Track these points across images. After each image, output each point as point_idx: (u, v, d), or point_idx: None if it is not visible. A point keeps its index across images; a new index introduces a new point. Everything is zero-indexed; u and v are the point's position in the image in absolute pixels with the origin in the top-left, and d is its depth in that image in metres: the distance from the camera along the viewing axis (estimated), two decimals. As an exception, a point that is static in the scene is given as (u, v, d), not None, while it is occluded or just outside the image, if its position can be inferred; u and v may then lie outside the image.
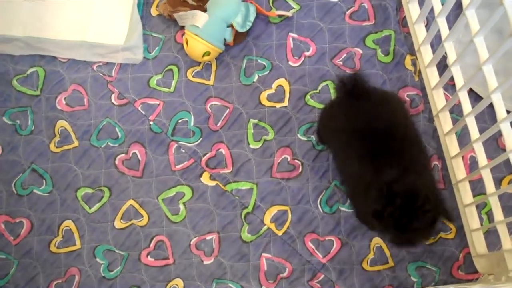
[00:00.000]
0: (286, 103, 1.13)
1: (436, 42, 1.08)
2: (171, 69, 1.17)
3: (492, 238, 0.99)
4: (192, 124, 1.13)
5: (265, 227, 1.06)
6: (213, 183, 1.10)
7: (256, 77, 1.15)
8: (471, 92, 1.05)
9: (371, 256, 1.03)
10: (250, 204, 1.08)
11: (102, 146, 1.13)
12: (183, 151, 1.12)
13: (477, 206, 0.99)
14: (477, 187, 1.03)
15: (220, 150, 1.11)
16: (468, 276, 1.01)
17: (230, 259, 1.05)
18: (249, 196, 1.08)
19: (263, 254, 1.05)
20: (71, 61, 1.19)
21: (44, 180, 1.12)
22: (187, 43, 1.10)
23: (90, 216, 1.10)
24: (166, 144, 1.12)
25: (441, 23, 0.97)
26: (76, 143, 1.14)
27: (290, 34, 1.18)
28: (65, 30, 1.19)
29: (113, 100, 1.16)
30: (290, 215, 1.07)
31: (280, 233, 1.06)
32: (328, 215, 1.06)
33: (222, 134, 1.12)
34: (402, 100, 1.09)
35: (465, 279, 1.01)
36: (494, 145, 1.06)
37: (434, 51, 1.07)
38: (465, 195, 1.00)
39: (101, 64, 1.18)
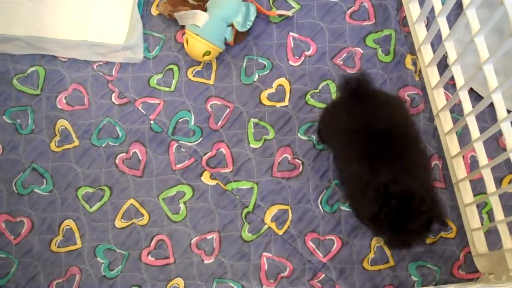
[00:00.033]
0: (286, 102, 1.13)
1: (436, 42, 1.08)
2: (172, 69, 1.17)
3: (492, 238, 0.99)
4: (192, 123, 1.13)
5: (265, 227, 1.06)
6: (213, 183, 1.10)
7: (257, 76, 1.15)
8: (471, 91, 1.05)
9: (371, 255, 1.04)
10: (251, 203, 1.08)
11: (103, 146, 1.13)
12: (184, 150, 1.12)
13: (477, 206, 0.99)
14: (478, 187, 1.03)
15: (220, 149, 1.11)
16: (468, 275, 1.01)
17: (230, 258, 1.05)
18: (250, 195, 1.08)
19: (264, 254, 1.05)
20: (71, 60, 1.19)
21: (44, 179, 1.12)
22: (187, 42, 1.10)
23: (90, 215, 1.10)
24: (166, 143, 1.13)
25: (442, 23, 0.97)
26: (76, 142, 1.14)
27: (291, 33, 1.18)
28: (66, 30, 1.19)
29: (113, 100, 1.16)
30: (290, 215, 1.07)
31: (280, 232, 1.06)
32: (329, 214, 1.06)
33: (223, 133, 1.12)
34: (403, 101, 1.09)
35: (465, 278, 1.01)
36: (495, 144, 1.06)
37: (434, 51, 1.07)
38: (465, 194, 1.00)
39: (101, 63, 1.18)
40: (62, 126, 1.15)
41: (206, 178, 1.10)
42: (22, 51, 1.19)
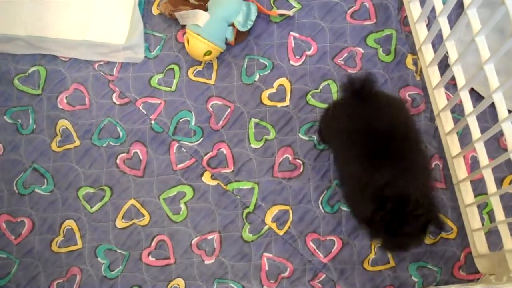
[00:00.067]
0: (287, 102, 1.13)
1: (437, 42, 1.08)
2: (172, 68, 1.17)
3: (493, 238, 0.99)
4: (193, 123, 1.13)
5: (266, 227, 1.06)
6: (214, 183, 1.10)
7: (257, 76, 1.15)
8: (472, 91, 1.05)
9: (372, 256, 1.03)
10: (251, 203, 1.08)
11: (104, 146, 1.13)
12: (184, 150, 1.12)
13: (478, 206, 0.99)
14: (478, 187, 1.03)
15: (221, 149, 1.11)
16: (469, 276, 1.01)
17: (231, 258, 1.05)
18: (250, 195, 1.08)
19: (264, 254, 1.05)
20: (72, 60, 1.19)
21: (45, 180, 1.12)
22: (188, 42, 1.10)
23: (91, 216, 1.10)
24: (167, 143, 1.12)
25: (443, 22, 0.97)
26: (77, 142, 1.14)
27: (291, 33, 1.17)
28: (67, 30, 1.19)
29: (114, 99, 1.16)
30: (291, 215, 1.07)
31: (281, 232, 1.06)
32: (329, 214, 1.06)
33: (223, 133, 1.12)
34: (404, 102, 1.08)
35: (466, 279, 1.01)
36: (496, 144, 1.06)
37: (435, 51, 1.07)
38: (466, 195, 1.00)
39: (102, 63, 1.18)
40: (63, 126, 1.15)
41: (206, 178, 1.10)
42: (23, 51, 1.19)
